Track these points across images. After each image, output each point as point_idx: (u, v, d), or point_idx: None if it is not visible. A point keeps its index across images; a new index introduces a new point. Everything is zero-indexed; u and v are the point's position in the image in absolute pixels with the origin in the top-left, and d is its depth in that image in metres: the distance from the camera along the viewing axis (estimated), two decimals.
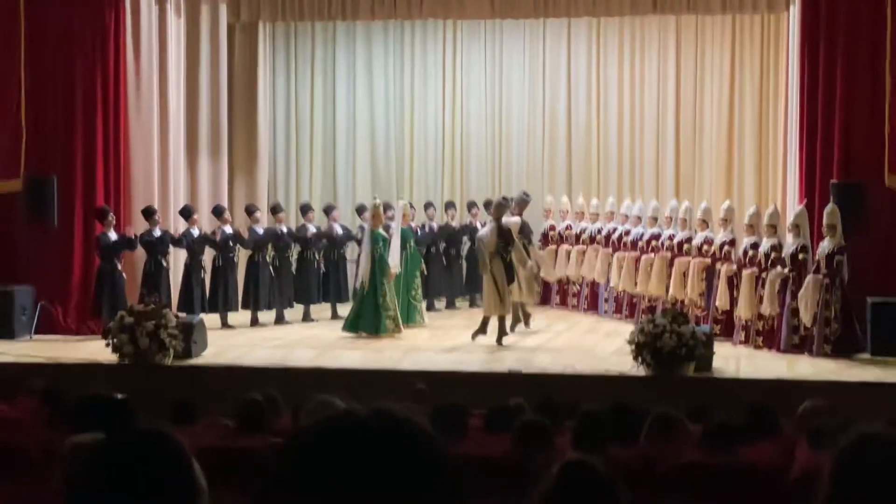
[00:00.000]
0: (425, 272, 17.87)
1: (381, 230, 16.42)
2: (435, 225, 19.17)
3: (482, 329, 15.64)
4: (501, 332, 15.59)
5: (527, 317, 16.71)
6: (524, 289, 16.29)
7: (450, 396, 9.90)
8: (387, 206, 18.02)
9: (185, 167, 18.56)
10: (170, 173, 17.93)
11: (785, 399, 9.95)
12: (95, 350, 14.56)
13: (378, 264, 16.17)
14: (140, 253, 16.62)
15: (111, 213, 16.33)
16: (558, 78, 20.73)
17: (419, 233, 18.77)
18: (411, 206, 18.08)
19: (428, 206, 19.41)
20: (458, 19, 20.13)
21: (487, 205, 19.37)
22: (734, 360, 14.12)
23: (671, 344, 12.77)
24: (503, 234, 15.62)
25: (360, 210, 18.58)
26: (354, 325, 16.23)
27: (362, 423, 2.14)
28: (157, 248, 16.47)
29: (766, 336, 14.94)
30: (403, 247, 17.24)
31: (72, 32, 16.69)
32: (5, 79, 16.57)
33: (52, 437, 6.24)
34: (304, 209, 18.33)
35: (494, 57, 21.00)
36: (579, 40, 20.57)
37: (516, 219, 16.55)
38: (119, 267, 16.21)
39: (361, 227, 17.98)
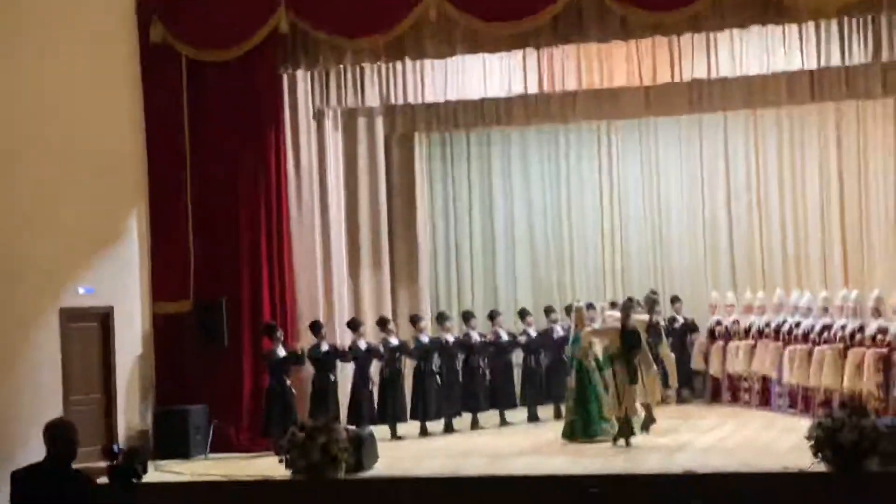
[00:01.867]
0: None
1: (581, 333, 16.20)
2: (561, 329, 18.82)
3: (623, 432, 15.39)
4: (623, 434, 15.34)
5: (650, 420, 16.25)
6: (648, 390, 15.97)
7: (624, 499, 9.73)
8: (589, 307, 17.91)
9: (348, 280, 18.78)
10: (333, 287, 18.14)
11: None
12: (269, 466, 14.65)
13: (587, 368, 15.99)
14: (309, 368, 16.76)
15: (279, 330, 16.53)
16: (717, 171, 20.52)
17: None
18: (592, 307, 17.79)
19: (589, 307, 19.20)
20: (612, 119, 20.12)
21: (612, 306, 19.08)
22: None
23: (852, 438, 12.34)
24: (627, 335, 15.50)
25: (522, 314, 18.51)
26: (582, 431, 15.93)
27: None
28: (325, 363, 16.59)
29: None
30: None
31: (233, 153, 17.07)
32: (172, 204, 17.01)
33: None
34: (467, 316, 18.34)
35: (650, 155, 20.91)
36: (737, 133, 20.36)
37: (643, 317, 16.40)
38: (288, 383, 16.36)
39: (526, 332, 17.87)
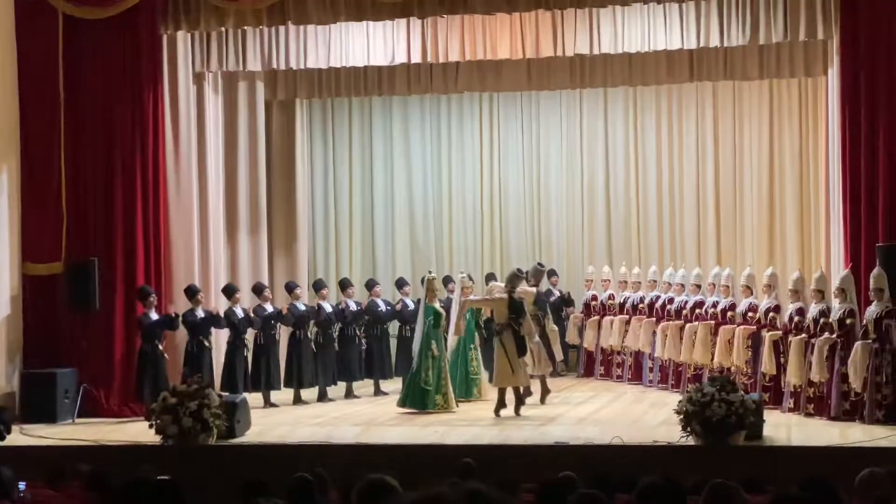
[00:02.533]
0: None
1: (435, 304, 16.30)
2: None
3: (501, 402, 15.53)
4: (518, 403, 15.55)
5: (544, 392, 16.51)
6: (537, 361, 16.21)
7: (497, 471, 9.77)
8: (447, 280, 18.29)
9: (225, 245, 18.61)
10: (210, 252, 17.95)
11: (839, 467, 9.75)
12: (138, 432, 14.47)
13: (425, 339, 16.09)
14: (182, 333, 16.58)
15: (152, 294, 16.33)
16: (596, 147, 20.71)
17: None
18: (470, 279, 17.87)
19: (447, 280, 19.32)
20: (494, 92, 20.18)
21: (490, 277, 19.24)
22: (785, 428, 13.92)
23: (720, 413, 12.56)
24: (514, 305, 15.59)
25: (399, 284, 18.53)
26: (403, 400, 16.13)
27: None
28: (199, 328, 16.42)
29: (816, 403, 14.71)
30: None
31: (110, 113, 16.79)
32: (45, 163, 16.67)
33: None
34: (344, 285, 18.29)
35: (531, 128, 21.01)
36: (616, 109, 20.57)
37: (531, 289, 16.57)
38: (161, 348, 16.18)
39: (402, 301, 17.89)
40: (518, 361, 15.49)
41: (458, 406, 16.18)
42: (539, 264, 18.20)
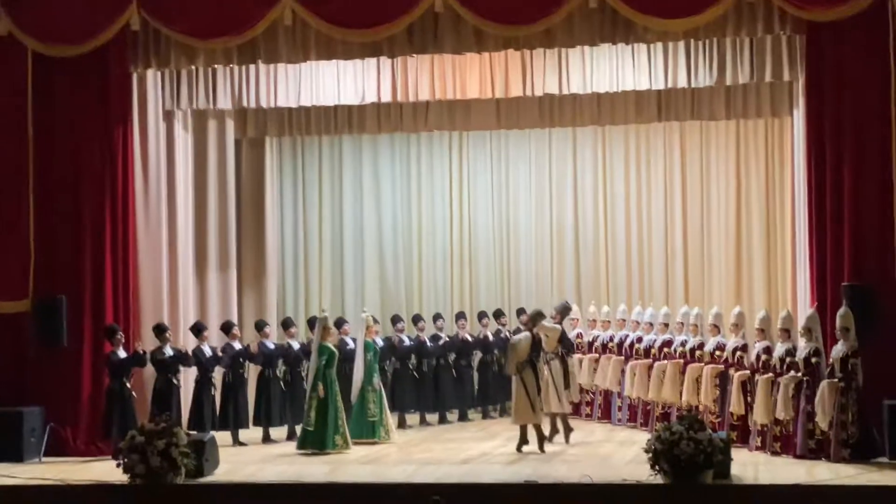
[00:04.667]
0: (378, 388, 17.14)
1: (327, 343, 16.33)
2: (445, 336, 19.10)
3: (523, 439, 15.69)
4: (541, 440, 15.68)
5: (567, 430, 16.58)
6: (561, 399, 16.26)
7: None
8: (417, 319, 19.02)
9: (195, 282, 18.61)
10: (179, 289, 17.95)
11: None
12: (106, 471, 14.40)
13: (319, 379, 16.14)
14: (150, 371, 16.52)
15: (119, 332, 16.26)
16: (564, 186, 20.80)
17: (430, 345, 18.76)
18: (374, 320, 17.97)
19: (436, 317, 19.38)
20: (463, 131, 20.28)
21: (498, 315, 19.44)
22: (752, 466, 13.97)
23: (689, 451, 12.59)
24: (536, 344, 15.80)
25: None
26: (301, 442, 16.16)
27: None
28: (168, 366, 16.35)
29: (783, 441, 14.78)
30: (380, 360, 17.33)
31: (79, 151, 16.73)
32: (13, 201, 16.59)
33: None
34: (312, 323, 18.23)
35: (500, 166, 21.11)
36: (585, 148, 20.68)
37: (556, 326, 16.58)
38: (129, 386, 16.10)
39: (374, 340, 17.87)
40: (538, 399, 15.64)
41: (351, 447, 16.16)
42: (566, 302, 18.11)
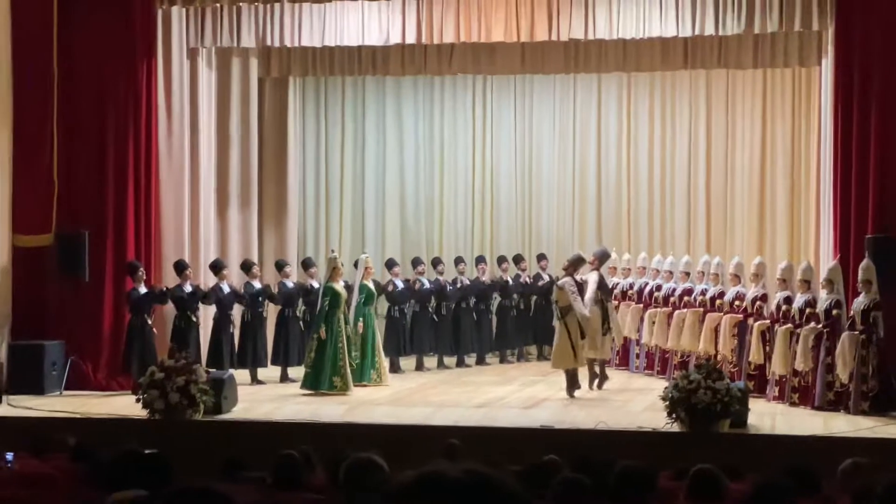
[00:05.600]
0: (360, 331, 16.92)
1: (333, 284, 16.23)
2: (465, 279, 19.11)
3: (572, 383, 15.63)
4: (572, 386, 15.61)
5: (603, 377, 16.46)
6: (598, 344, 16.15)
7: (482, 453, 9.80)
8: (436, 261, 19.02)
9: (216, 220, 18.62)
10: (200, 227, 17.97)
11: (822, 457, 9.80)
12: (125, 405, 14.51)
13: (318, 320, 16.12)
14: (170, 308, 16.60)
15: (141, 268, 16.33)
16: (588, 132, 20.71)
17: (450, 288, 18.77)
18: (393, 262, 18.00)
19: (458, 261, 19.38)
20: (488, 74, 20.18)
21: (518, 259, 19.40)
22: (769, 416, 13.97)
23: (706, 400, 12.61)
24: (580, 288, 15.73)
25: (389, 265, 18.46)
26: (302, 383, 16.13)
27: (459, 484, 2.12)
28: (187, 303, 16.42)
29: (801, 392, 14.77)
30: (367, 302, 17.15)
31: (104, 86, 16.77)
32: (37, 134, 16.62)
33: (89, 495, 6.15)
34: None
35: (524, 111, 21.01)
36: (610, 95, 20.56)
37: (595, 275, 16.48)
38: (149, 322, 16.19)
39: (392, 282, 17.85)
40: (580, 343, 15.60)
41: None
42: (605, 248, 17.94)
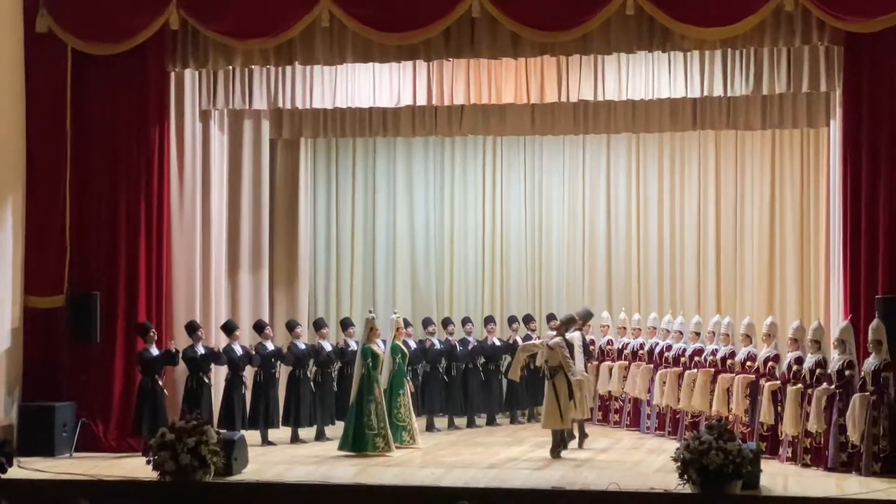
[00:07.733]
0: (412, 390, 17.29)
1: (372, 345, 16.29)
2: (473, 340, 19.12)
3: (557, 443, 15.75)
4: (556, 447, 15.71)
5: (582, 437, 16.63)
6: (578, 405, 16.21)
7: None
8: (446, 322, 19.10)
9: (227, 281, 18.66)
10: (211, 288, 18.00)
11: None
12: (136, 467, 14.48)
13: (365, 381, 16.10)
14: (181, 369, 16.61)
15: (152, 329, 16.36)
16: (598, 193, 20.75)
17: (459, 349, 18.79)
18: (406, 323, 17.99)
19: (465, 321, 19.42)
20: (498, 135, 20.28)
21: (528, 320, 19.43)
22: (781, 477, 13.91)
23: (718, 461, 12.56)
24: (569, 349, 15.87)
25: (344, 325, 18.39)
26: (343, 444, 16.11)
27: None
28: (199, 364, 16.44)
29: (814, 453, 14.72)
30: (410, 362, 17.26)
31: (116, 148, 16.88)
32: (50, 196, 16.71)
33: None
34: (345, 324, 18.31)
35: (534, 172, 21.06)
36: (619, 155, 20.62)
37: (578, 335, 16.67)
38: (160, 383, 16.20)
39: (405, 342, 17.87)
40: (568, 404, 15.67)
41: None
42: (587, 310, 18.14)
